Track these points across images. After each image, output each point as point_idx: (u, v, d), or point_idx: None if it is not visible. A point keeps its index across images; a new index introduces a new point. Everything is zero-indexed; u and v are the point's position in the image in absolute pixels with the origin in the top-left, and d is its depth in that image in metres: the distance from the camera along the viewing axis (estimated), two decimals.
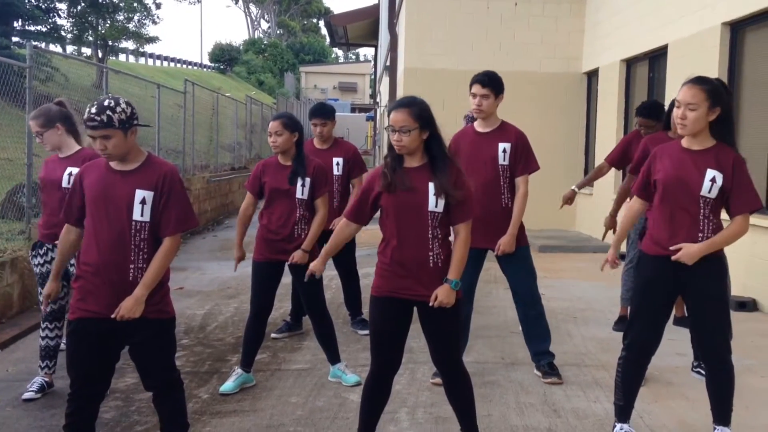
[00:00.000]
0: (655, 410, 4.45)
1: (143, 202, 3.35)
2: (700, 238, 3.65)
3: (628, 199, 4.55)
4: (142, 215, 3.35)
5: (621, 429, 3.92)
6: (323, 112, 6.17)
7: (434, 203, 3.47)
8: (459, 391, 3.68)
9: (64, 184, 4.59)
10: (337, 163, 6.12)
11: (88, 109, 3.31)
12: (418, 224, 3.50)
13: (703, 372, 4.87)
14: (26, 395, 4.67)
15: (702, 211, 3.66)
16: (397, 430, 4.16)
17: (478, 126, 5.09)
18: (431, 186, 3.47)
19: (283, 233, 4.89)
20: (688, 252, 3.63)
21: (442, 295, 3.47)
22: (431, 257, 3.51)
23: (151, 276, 3.37)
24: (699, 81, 3.63)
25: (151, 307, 3.38)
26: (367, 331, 6.14)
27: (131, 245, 3.35)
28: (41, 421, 4.32)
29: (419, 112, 3.49)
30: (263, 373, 5.13)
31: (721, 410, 3.80)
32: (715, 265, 3.74)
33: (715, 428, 3.81)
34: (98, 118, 3.26)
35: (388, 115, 3.56)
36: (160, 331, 3.45)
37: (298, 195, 4.87)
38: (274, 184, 4.90)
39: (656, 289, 3.79)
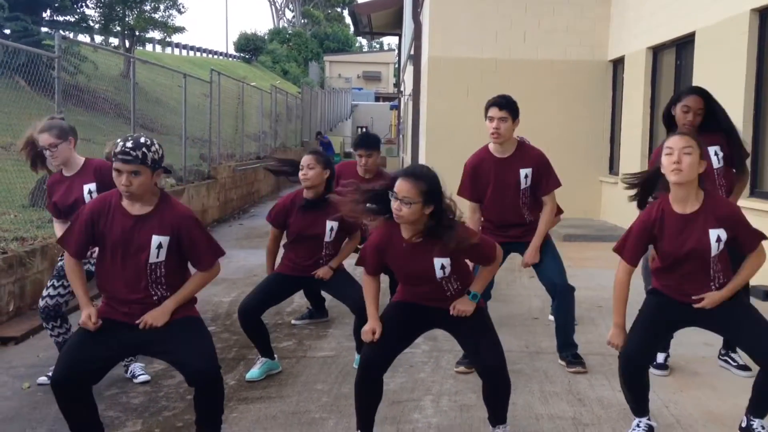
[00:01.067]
0: (680, 400, 4.44)
1: (159, 246, 3.41)
2: (712, 287, 3.64)
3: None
4: (158, 257, 3.42)
5: (638, 423, 3.85)
6: (368, 143, 5.91)
7: (443, 274, 3.59)
8: (498, 396, 3.70)
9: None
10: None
11: (121, 143, 3.29)
12: (430, 284, 3.64)
13: (731, 361, 4.87)
14: (40, 380, 4.78)
15: (712, 267, 3.64)
16: (422, 418, 4.19)
17: (496, 151, 4.95)
18: (436, 262, 3.53)
19: (307, 265, 4.96)
20: (712, 300, 3.63)
21: (460, 304, 3.63)
22: (448, 293, 3.68)
23: (185, 294, 3.50)
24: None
25: (177, 314, 3.48)
26: None
27: (148, 282, 3.44)
28: None
29: (426, 188, 3.41)
30: (289, 360, 5.18)
31: (763, 405, 3.72)
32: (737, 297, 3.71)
33: (751, 420, 3.74)
34: (134, 153, 3.26)
35: (394, 181, 3.45)
36: (187, 323, 3.49)
37: (326, 239, 4.92)
38: (301, 229, 4.92)
39: (664, 314, 3.78)
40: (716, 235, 3.59)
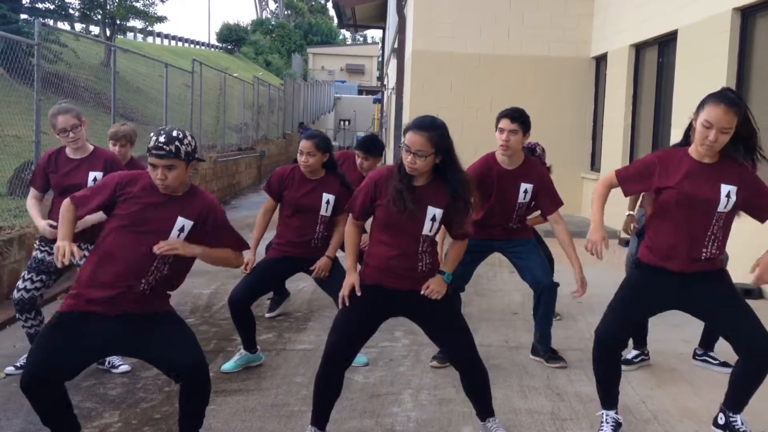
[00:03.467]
0: (657, 395, 4.47)
1: (181, 230, 3.37)
2: (703, 255, 3.56)
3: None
4: (179, 231, 3.37)
5: (606, 418, 3.83)
6: (366, 146, 5.85)
7: (429, 228, 3.52)
8: (477, 386, 3.72)
9: None
10: None
11: (155, 137, 3.28)
12: (411, 241, 3.54)
13: (709, 360, 4.91)
14: (8, 369, 4.74)
15: (713, 227, 3.55)
16: (401, 412, 4.19)
17: (503, 162, 4.91)
18: (429, 211, 3.49)
19: (299, 242, 4.89)
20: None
21: (434, 283, 3.56)
22: (420, 266, 3.57)
23: (213, 253, 3.45)
24: (732, 103, 3.42)
25: (155, 308, 3.41)
26: None
27: (153, 265, 3.33)
28: None
29: (438, 138, 3.41)
30: (268, 353, 5.16)
31: (741, 400, 3.75)
32: (724, 277, 3.68)
33: (731, 416, 3.76)
34: (167, 148, 3.25)
35: (405, 133, 3.46)
36: (166, 318, 3.45)
37: (322, 212, 4.84)
38: (297, 199, 4.85)
39: (645, 295, 3.73)
40: (727, 190, 3.49)
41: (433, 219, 3.51)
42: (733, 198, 3.50)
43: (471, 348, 3.66)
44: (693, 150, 3.58)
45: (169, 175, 3.29)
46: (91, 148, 4.71)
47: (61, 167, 4.62)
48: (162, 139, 3.28)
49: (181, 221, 3.36)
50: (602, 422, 3.86)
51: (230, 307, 4.78)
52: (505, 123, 4.80)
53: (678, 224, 3.56)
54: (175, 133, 3.31)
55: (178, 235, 3.35)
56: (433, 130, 3.41)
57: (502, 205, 4.93)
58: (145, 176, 3.44)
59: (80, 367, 3.35)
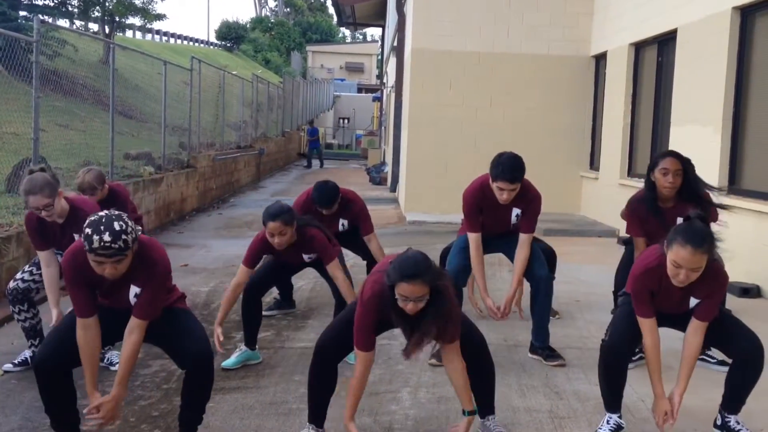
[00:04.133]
0: None
1: (136, 295, 3.43)
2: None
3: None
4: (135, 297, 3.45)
5: (608, 420, 3.86)
6: (323, 200, 5.72)
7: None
8: (482, 377, 3.72)
9: None
10: (343, 224, 5.94)
11: (97, 236, 3.12)
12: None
13: (707, 359, 4.91)
14: (6, 366, 4.74)
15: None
16: (399, 409, 4.19)
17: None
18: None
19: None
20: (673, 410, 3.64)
21: (462, 429, 3.53)
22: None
23: (122, 374, 3.40)
24: (700, 244, 3.39)
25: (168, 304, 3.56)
26: None
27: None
28: None
29: (432, 278, 3.29)
30: (267, 351, 5.16)
31: (737, 401, 3.80)
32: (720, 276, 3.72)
33: (726, 417, 3.81)
34: (115, 246, 3.14)
35: (396, 283, 3.27)
36: (178, 311, 3.59)
37: (306, 261, 5.06)
38: (284, 260, 5.04)
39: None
40: (695, 302, 3.67)
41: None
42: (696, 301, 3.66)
43: (482, 343, 3.71)
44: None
45: (119, 267, 3.23)
46: (68, 208, 4.49)
47: (48, 228, 4.49)
48: (107, 237, 3.12)
49: (134, 289, 3.42)
50: (604, 422, 3.87)
51: (245, 294, 4.89)
52: (504, 185, 4.71)
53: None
54: (116, 226, 3.15)
55: (135, 298, 3.43)
56: (427, 274, 3.28)
57: (494, 222, 5.00)
58: (83, 254, 3.30)
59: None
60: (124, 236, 3.17)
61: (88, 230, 3.16)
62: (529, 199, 4.95)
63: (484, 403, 3.75)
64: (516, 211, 4.95)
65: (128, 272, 3.33)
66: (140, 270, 3.37)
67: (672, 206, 4.67)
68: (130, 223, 3.26)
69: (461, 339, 3.56)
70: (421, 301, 3.29)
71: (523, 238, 4.94)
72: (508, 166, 4.68)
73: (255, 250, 4.81)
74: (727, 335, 3.69)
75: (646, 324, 3.66)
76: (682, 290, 3.59)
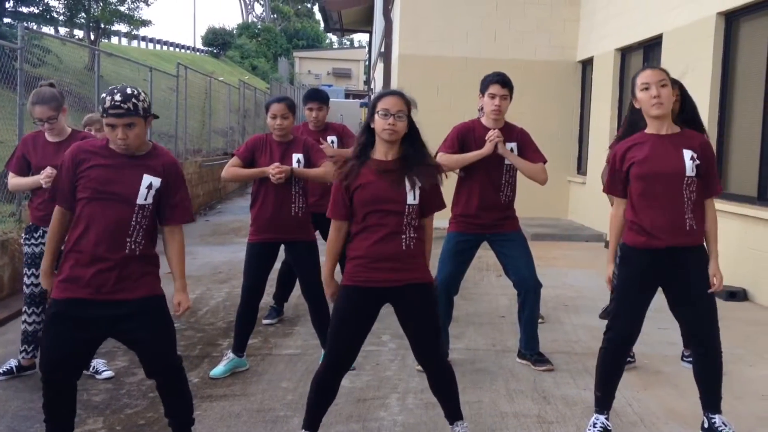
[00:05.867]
0: (644, 398, 4.47)
1: (149, 187, 3.31)
2: (686, 222, 3.68)
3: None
4: (146, 199, 3.31)
5: (595, 422, 3.87)
6: (319, 96, 6.19)
7: (413, 197, 3.45)
8: (442, 385, 3.71)
9: None
10: (332, 141, 6.14)
11: (109, 97, 3.20)
12: (396, 222, 3.44)
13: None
14: None
15: (685, 195, 3.70)
16: (387, 416, 4.17)
17: (488, 124, 4.95)
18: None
19: (280, 213, 4.85)
20: (716, 275, 3.77)
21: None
22: (404, 242, 3.47)
23: (181, 268, 3.58)
24: (655, 66, 3.81)
25: (144, 287, 3.34)
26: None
27: (131, 225, 3.28)
28: (30, 403, 4.30)
29: (409, 102, 3.52)
30: (254, 358, 5.13)
31: (713, 397, 3.83)
32: (704, 255, 3.80)
33: (711, 417, 3.81)
34: (125, 106, 3.19)
35: (375, 102, 3.50)
36: (155, 309, 3.39)
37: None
38: (270, 164, 4.83)
39: (644, 282, 3.80)
40: (690, 154, 3.68)
41: (413, 186, 3.57)
42: (696, 161, 3.70)
43: (437, 347, 3.66)
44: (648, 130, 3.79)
45: (129, 134, 3.23)
46: (69, 131, 4.77)
47: (40, 150, 4.66)
48: (118, 97, 3.20)
49: (148, 179, 3.31)
50: (591, 424, 3.87)
51: (248, 302, 4.87)
52: (496, 89, 4.84)
53: (656, 203, 3.70)
54: (129, 91, 3.24)
55: (147, 193, 3.30)
56: (405, 95, 3.58)
57: (488, 168, 4.86)
58: (99, 142, 3.40)
59: (91, 351, 3.43)
60: (134, 99, 3.23)
61: (103, 95, 3.26)
62: (518, 132, 5.01)
63: (450, 408, 3.72)
64: (509, 146, 4.90)
65: (144, 158, 3.33)
66: (156, 159, 3.37)
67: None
68: (144, 94, 3.32)
69: (429, 346, 3.58)
70: (401, 120, 3.44)
71: (540, 167, 4.93)
72: (496, 73, 4.88)
73: (250, 143, 4.97)
74: (696, 323, 3.81)
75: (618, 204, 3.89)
76: (674, 146, 3.69)
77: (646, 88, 3.68)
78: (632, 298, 3.80)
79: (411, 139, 3.57)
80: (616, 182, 3.85)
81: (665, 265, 3.74)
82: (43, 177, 4.47)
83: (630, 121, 4.63)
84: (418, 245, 3.52)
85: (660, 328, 5.79)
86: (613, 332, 3.86)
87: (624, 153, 3.80)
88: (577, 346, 5.50)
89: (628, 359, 4.95)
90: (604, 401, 3.91)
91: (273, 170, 4.72)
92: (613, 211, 3.92)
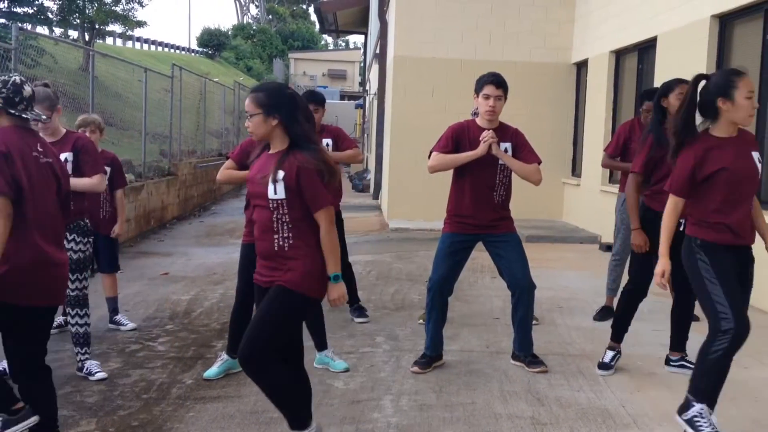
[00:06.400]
0: (637, 399, 4.47)
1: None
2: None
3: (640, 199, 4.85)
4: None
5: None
6: (315, 98, 6.15)
7: (273, 190, 3.33)
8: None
9: None
10: (327, 144, 6.12)
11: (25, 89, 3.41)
12: (264, 212, 3.40)
13: (686, 365, 4.92)
14: None
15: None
16: (381, 417, 4.16)
17: (482, 124, 4.93)
18: (270, 177, 3.32)
19: None
20: None
21: (333, 294, 3.43)
22: (276, 241, 3.38)
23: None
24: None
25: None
26: (363, 319, 6.15)
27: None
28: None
29: (263, 98, 3.36)
30: None
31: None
32: None
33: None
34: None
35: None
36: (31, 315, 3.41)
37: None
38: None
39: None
40: (757, 156, 3.87)
41: (274, 180, 3.34)
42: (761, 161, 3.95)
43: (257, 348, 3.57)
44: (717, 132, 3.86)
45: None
46: (64, 131, 4.82)
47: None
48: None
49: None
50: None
51: (243, 303, 4.80)
52: (490, 89, 4.83)
53: (737, 201, 3.86)
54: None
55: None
56: (260, 91, 3.41)
57: (481, 169, 4.85)
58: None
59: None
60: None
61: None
62: (512, 132, 5.00)
63: (288, 417, 3.58)
64: (504, 146, 4.88)
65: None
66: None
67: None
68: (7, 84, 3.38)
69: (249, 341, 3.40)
70: (249, 118, 3.40)
71: (534, 168, 4.90)
72: (491, 73, 4.89)
73: (245, 144, 4.95)
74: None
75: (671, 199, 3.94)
76: (747, 148, 3.84)
77: (750, 97, 3.75)
78: (735, 286, 3.78)
79: (290, 133, 3.40)
80: (689, 184, 3.83)
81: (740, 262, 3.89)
82: None
83: (658, 131, 4.79)
84: (296, 246, 3.37)
85: (654, 329, 5.81)
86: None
87: (704, 156, 3.78)
88: (572, 348, 5.50)
89: (617, 354, 4.96)
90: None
91: None
92: (672, 208, 3.91)
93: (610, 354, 4.96)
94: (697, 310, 5.16)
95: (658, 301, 6.28)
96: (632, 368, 5.00)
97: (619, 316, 5.03)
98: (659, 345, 5.43)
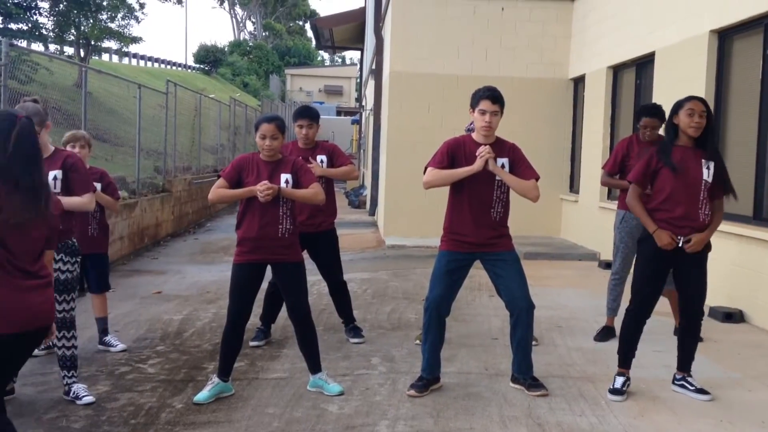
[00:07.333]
0: (641, 425, 4.33)
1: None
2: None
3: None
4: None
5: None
6: (309, 114, 6.06)
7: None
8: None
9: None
10: (321, 161, 6.00)
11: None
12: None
13: (688, 386, 4.80)
14: None
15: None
16: None
17: (478, 140, 4.83)
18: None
19: (266, 233, 4.72)
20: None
21: None
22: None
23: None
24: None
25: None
26: (359, 340, 6.00)
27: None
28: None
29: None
30: (240, 383, 4.97)
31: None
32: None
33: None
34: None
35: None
36: None
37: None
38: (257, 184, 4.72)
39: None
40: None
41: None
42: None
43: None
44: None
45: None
46: (52, 149, 4.71)
47: None
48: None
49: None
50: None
51: (234, 326, 4.74)
52: (486, 104, 4.73)
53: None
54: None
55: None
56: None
57: (478, 185, 4.74)
58: None
59: None
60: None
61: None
62: (509, 147, 4.89)
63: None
64: (501, 161, 4.77)
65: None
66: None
67: (689, 147, 4.74)
68: None
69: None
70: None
71: (531, 184, 4.80)
72: (487, 88, 4.83)
73: (236, 163, 4.89)
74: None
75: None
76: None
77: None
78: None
79: None
80: None
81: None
82: None
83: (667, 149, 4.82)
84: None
85: (655, 350, 5.67)
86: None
87: None
88: (572, 370, 5.36)
89: (627, 382, 4.82)
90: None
91: (261, 188, 4.61)
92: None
93: (620, 380, 4.82)
94: (703, 331, 5.07)
95: (657, 320, 6.15)
96: (635, 391, 4.86)
97: (623, 339, 4.88)
98: (662, 366, 5.30)
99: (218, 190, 4.82)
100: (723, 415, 4.47)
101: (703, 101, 4.73)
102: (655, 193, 4.74)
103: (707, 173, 4.63)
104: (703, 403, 4.66)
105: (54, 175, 4.56)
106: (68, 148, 5.41)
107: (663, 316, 5.80)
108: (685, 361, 4.89)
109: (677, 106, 4.76)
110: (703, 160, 4.65)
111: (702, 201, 4.64)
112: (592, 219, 10.94)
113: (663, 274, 4.76)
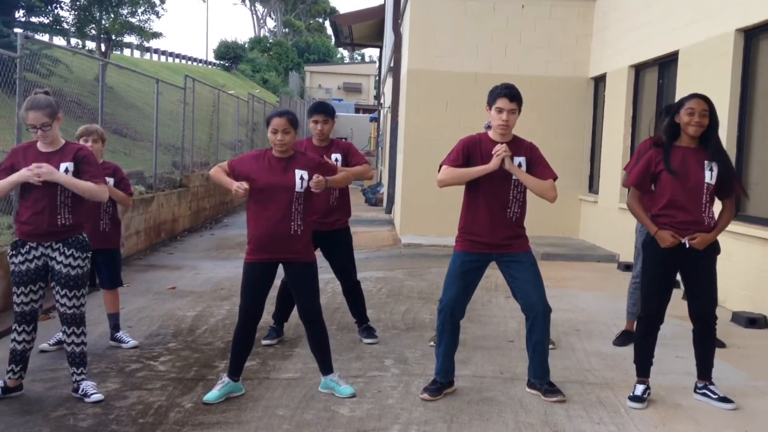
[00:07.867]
0: None
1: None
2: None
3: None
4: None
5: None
6: (324, 109, 5.96)
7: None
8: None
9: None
10: (336, 159, 5.88)
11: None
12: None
13: (711, 395, 4.66)
14: None
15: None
16: None
17: (495, 138, 4.72)
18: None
19: (279, 231, 4.62)
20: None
21: None
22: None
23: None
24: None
25: None
26: (372, 340, 5.91)
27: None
28: (13, 428, 4.09)
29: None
30: (251, 382, 4.89)
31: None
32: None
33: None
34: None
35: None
36: None
37: (297, 189, 4.61)
38: (269, 180, 4.61)
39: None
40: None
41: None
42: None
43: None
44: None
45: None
46: (63, 142, 4.65)
47: (31, 160, 4.50)
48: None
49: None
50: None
51: (245, 325, 4.67)
52: (504, 102, 4.61)
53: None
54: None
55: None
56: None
57: (495, 185, 4.64)
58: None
59: None
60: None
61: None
62: (527, 146, 4.78)
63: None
64: (518, 160, 4.66)
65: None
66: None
67: (690, 148, 4.63)
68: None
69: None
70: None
71: (549, 184, 4.68)
72: (504, 85, 4.70)
73: (245, 157, 4.83)
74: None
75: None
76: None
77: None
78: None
79: None
80: None
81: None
82: (32, 173, 4.40)
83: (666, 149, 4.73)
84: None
85: (678, 356, 5.54)
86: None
87: None
88: (591, 376, 5.23)
89: (648, 389, 4.69)
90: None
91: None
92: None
93: (640, 387, 4.68)
94: (723, 335, 4.93)
95: (680, 325, 6.03)
96: (656, 399, 4.72)
97: (638, 348, 4.75)
98: (684, 373, 5.16)
99: (218, 169, 4.76)
100: (747, 425, 4.33)
101: (707, 100, 4.58)
102: (656, 197, 4.65)
103: (710, 175, 4.50)
104: (727, 412, 4.52)
105: (65, 167, 4.50)
106: (81, 142, 5.36)
107: (685, 320, 5.66)
108: (703, 369, 4.75)
109: (678, 105, 4.65)
110: (705, 162, 4.52)
111: (704, 204, 4.53)
112: (611, 220, 10.77)
113: (671, 277, 4.66)
